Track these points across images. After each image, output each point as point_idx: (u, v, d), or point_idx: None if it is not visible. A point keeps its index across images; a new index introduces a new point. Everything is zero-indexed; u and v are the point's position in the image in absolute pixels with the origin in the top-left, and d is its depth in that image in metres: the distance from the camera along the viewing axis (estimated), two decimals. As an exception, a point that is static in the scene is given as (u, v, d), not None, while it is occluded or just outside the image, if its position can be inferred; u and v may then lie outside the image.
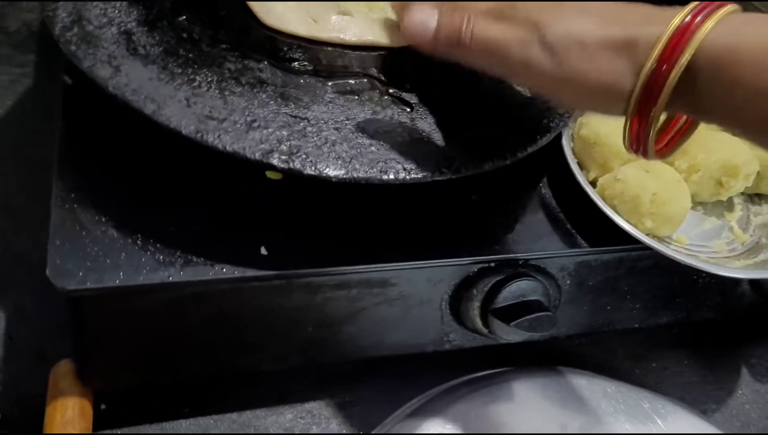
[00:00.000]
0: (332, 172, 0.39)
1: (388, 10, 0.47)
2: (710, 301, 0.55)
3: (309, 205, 0.43)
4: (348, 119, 0.42)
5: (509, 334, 0.45)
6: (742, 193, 0.54)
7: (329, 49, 0.44)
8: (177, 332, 0.42)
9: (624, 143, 0.35)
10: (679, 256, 0.45)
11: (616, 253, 0.48)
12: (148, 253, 0.39)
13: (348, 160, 0.39)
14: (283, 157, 0.38)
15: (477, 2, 0.37)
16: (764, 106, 0.29)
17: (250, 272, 0.40)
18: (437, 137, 0.43)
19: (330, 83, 0.43)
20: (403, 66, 0.45)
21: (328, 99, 0.42)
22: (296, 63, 0.44)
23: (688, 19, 0.31)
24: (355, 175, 0.39)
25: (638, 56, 0.32)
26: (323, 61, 0.44)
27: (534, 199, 0.50)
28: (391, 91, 0.44)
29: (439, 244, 0.45)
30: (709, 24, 0.30)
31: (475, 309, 0.46)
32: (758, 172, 0.51)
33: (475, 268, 0.46)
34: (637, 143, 0.34)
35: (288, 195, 0.43)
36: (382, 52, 0.45)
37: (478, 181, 0.45)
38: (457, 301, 0.47)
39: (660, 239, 0.48)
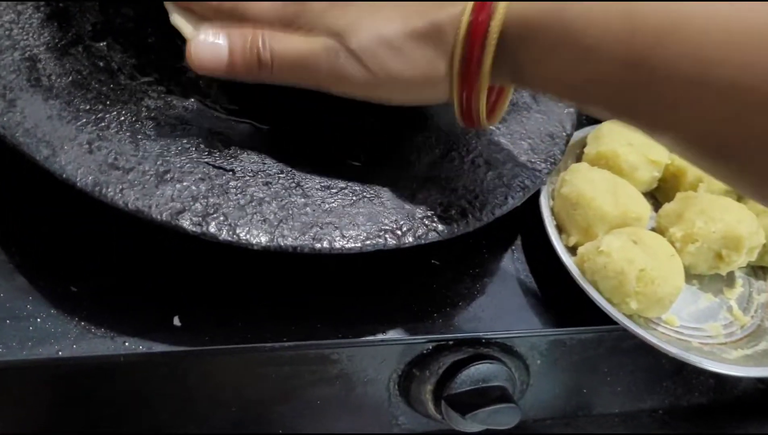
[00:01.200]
0: (254, 238, 0.32)
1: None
2: (702, 385, 0.48)
3: (234, 268, 0.37)
4: (282, 172, 0.36)
5: (465, 425, 0.39)
6: (746, 265, 0.47)
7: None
8: (72, 414, 0.36)
9: (457, 120, 0.34)
10: (664, 346, 0.39)
11: (595, 333, 0.42)
12: (37, 320, 0.33)
13: (276, 223, 0.33)
14: (196, 219, 0.32)
15: (261, 8, 0.34)
16: (571, 75, 0.29)
17: (159, 347, 0.34)
18: (387, 196, 0.36)
19: (267, 127, 0.37)
20: (358, 107, 0.39)
21: (261, 146, 0.36)
22: (228, 101, 0.38)
23: None
24: (281, 244, 0.33)
25: (447, 39, 0.31)
26: (259, 99, 0.38)
27: (504, 265, 0.43)
28: (339, 136, 0.38)
29: (387, 317, 0.39)
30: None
31: (427, 393, 0.40)
32: (764, 245, 0.45)
33: (430, 345, 0.40)
34: (468, 118, 0.34)
35: (210, 256, 0.37)
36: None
37: (440, 242, 0.38)
38: (408, 380, 0.41)
39: (647, 320, 0.42)
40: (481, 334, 0.40)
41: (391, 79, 0.32)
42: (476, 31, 0.30)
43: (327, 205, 0.35)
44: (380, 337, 0.38)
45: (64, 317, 0.34)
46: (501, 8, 0.30)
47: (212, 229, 0.32)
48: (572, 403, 0.47)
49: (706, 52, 0.26)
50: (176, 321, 0.35)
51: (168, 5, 0.37)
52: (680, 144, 0.29)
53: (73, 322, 0.34)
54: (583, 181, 0.43)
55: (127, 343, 0.34)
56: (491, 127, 0.36)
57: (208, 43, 0.33)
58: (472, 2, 0.30)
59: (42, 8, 0.38)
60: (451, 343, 0.39)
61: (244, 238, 0.32)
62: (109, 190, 0.32)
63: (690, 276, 0.46)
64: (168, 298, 0.35)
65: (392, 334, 0.38)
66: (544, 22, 0.29)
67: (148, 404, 0.37)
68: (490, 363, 0.40)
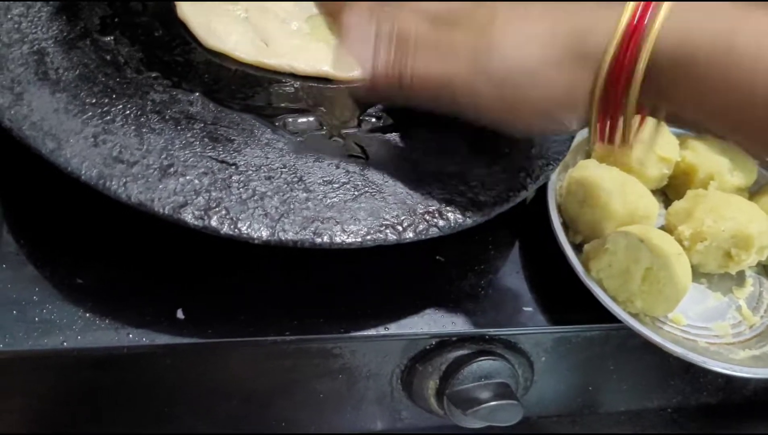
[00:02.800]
0: (255, 232, 0.33)
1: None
2: (710, 384, 0.48)
3: (238, 261, 0.37)
4: (285, 166, 0.36)
5: (466, 421, 0.39)
6: (757, 264, 0.46)
7: (274, 79, 0.39)
8: (77, 405, 0.37)
9: (591, 146, 0.35)
10: (668, 345, 0.38)
11: (601, 331, 0.42)
12: (43, 311, 0.34)
13: (277, 217, 0.33)
14: (198, 213, 0.32)
15: (417, 14, 0.33)
16: (724, 100, 0.28)
17: (162, 340, 0.34)
18: (390, 192, 0.36)
19: (269, 121, 0.37)
20: (357, 103, 0.39)
21: (265, 140, 0.36)
22: (234, 95, 0.38)
23: (638, 17, 0.29)
24: (282, 238, 0.33)
25: (593, 58, 0.30)
26: (265, 94, 0.38)
27: (509, 261, 0.43)
28: (342, 132, 0.38)
29: (390, 312, 0.39)
30: (659, 21, 0.29)
31: (430, 389, 0.40)
32: (776, 244, 0.44)
33: (433, 341, 0.39)
34: (610, 139, 0.33)
35: (214, 249, 0.37)
36: (336, 86, 0.39)
37: (444, 238, 0.38)
38: (411, 376, 0.41)
39: (653, 318, 0.42)
40: (483, 330, 0.40)
41: (530, 107, 0.32)
42: (625, 53, 0.29)
43: (328, 200, 0.35)
44: (383, 332, 0.38)
45: (69, 308, 0.34)
46: (652, 37, 0.29)
47: (214, 222, 0.32)
48: (578, 400, 0.46)
49: None
50: (180, 314, 0.35)
51: None
52: None
53: (78, 314, 0.34)
54: (591, 178, 0.43)
55: (130, 335, 0.34)
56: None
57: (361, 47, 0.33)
58: (624, 23, 0.29)
59: (51, 2, 0.39)
60: (454, 339, 0.39)
61: (245, 232, 0.32)
62: (113, 183, 0.32)
63: (699, 275, 0.45)
64: (172, 291, 0.36)
65: (395, 330, 0.38)
66: (707, 49, 0.28)
67: (151, 396, 0.38)
68: (493, 360, 0.40)
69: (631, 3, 0.30)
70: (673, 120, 0.33)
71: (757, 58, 0.27)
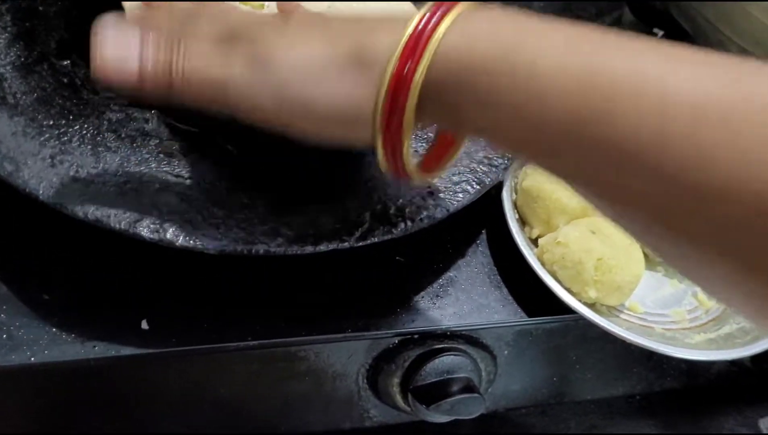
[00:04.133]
0: (210, 243, 0.34)
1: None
2: (673, 370, 0.49)
3: (198, 270, 0.39)
4: (240, 179, 0.37)
5: (431, 415, 0.40)
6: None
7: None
8: (47, 418, 0.38)
9: (381, 167, 0.30)
10: (623, 333, 0.40)
11: (560, 322, 0.43)
12: (11, 328, 0.35)
13: (231, 228, 0.35)
14: (154, 226, 0.33)
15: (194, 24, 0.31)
16: (513, 126, 0.25)
17: (128, 351, 0.36)
18: (343, 197, 0.38)
19: (223, 135, 0.38)
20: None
21: (220, 154, 0.38)
22: (189, 111, 0.39)
23: (422, 25, 0.26)
24: (236, 248, 0.34)
25: (375, 72, 0.27)
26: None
27: (468, 259, 0.44)
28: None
29: (353, 313, 0.40)
30: (440, 31, 0.26)
31: (394, 386, 0.41)
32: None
33: (396, 339, 0.41)
34: (395, 168, 0.30)
35: (174, 259, 0.38)
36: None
37: (404, 239, 0.40)
38: (376, 374, 0.42)
39: (609, 307, 0.43)
40: (444, 326, 0.41)
41: (308, 110, 0.29)
42: (403, 68, 0.26)
43: (283, 209, 0.36)
44: (345, 333, 0.39)
45: (36, 324, 0.35)
46: (434, 42, 0.26)
47: (169, 235, 0.33)
48: (543, 391, 0.47)
49: (667, 125, 0.22)
50: (144, 325, 0.36)
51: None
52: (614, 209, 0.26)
53: (45, 329, 0.35)
54: (543, 174, 0.44)
55: (96, 348, 0.35)
56: (426, 181, 0.33)
57: (119, 51, 0.30)
58: (408, 33, 0.26)
59: (9, 28, 0.40)
60: (416, 336, 0.40)
61: (200, 243, 0.34)
62: (70, 202, 0.33)
63: (655, 263, 0.46)
64: (135, 303, 0.37)
65: (357, 330, 0.39)
66: (489, 66, 0.25)
67: (120, 406, 0.39)
68: (455, 355, 0.41)
69: (424, 8, 0.27)
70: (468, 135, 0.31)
71: (534, 74, 0.25)
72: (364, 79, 0.27)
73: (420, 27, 0.26)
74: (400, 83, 0.26)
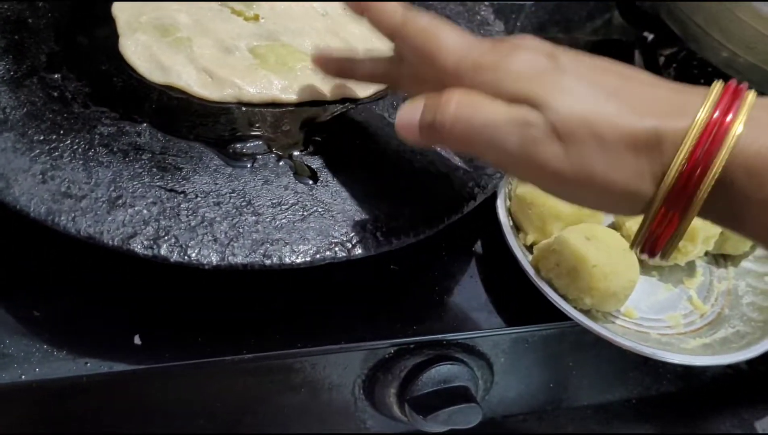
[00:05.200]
0: (205, 258, 0.34)
1: (297, 61, 0.42)
2: (669, 374, 0.49)
3: (192, 285, 0.38)
4: (233, 191, 0.37)
5: (428, 426, 0.40)
6: (706, 254, 0.48)
7: (221, 107, 0.40)
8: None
9: (632, 241, 0.30)
10: (618, 339, 0.40)
11: (556, 329, 0.43)
12: (1, 346, 0.35)
13: (226, 242, 0.34)
14: (147, 242, 0.33)
15: (454, 62, 0.30)
16: None
17: (120, 367, 0.35)
18: (338, 210, 0.37)
19: (217, 148, 0.38)
20: (307, 125, 0.40)
21: (213, 167, 0.37)
22: (181, 124, 0.39)
23: (717, 115, 0.26)
24: (232, 262, 0.34)
25: (663, 157, 0.26)
26: (212, 121, 0.39)
27: (464, 267, 0.44)
28: (291, 154, 0.39)
29: (348, 324, 0.40)
30: (738, 124, 0.26)
31: (391, 396, 0.41)
32: (722, 233, 0.45)
33: (392, 349, 0.40)
34: (652, 248, 0.29)
35: (168, 275, 0.38)
36: (282, 109, 0.40)
37: (399, 248, 0.39)
38: (372, 384, 0.42)
39: (605, 313, 0.43)
40: (441, 336, 0.41)
41: (590, 179, 0.27)
42: (697, 160, 0.26)
43: (277, 222, 0.36)
44: (340, 344, 0.39)
45: (27, 341, 0.35)
46: (732, 138, 0.25)
47: (163, 251, 0.33)
48: (541, 398, 0.47)
49: None
50: (137, 340, 0.36)
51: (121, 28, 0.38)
52: None
53: (35, 346, 0.35)
54: (537, 181, 0.44)
55: (89, 364, 0.35)
56: (663, 263, 0.33)
57: (411, 107, 0.31)
58: (702, 123, 0.26)
59: (-3, 42, 0.39)
60: (412, 346, 0.40)
61: (195, 258, 0.33)
62: (62, 218, 0.33)
63: (649, 268, 0.47)
64: (128, 318, 0.37)
65: (353, 341, 0.39)
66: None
67: (114, 422, 0.38)
68: (451, 364, 0.41)
69: (713, 93, 0.27)
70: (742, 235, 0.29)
71: None
72: (651, 162, 0.27)
73: (716, 116, 0.26)
74: (690, 175, 0.26)
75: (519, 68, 0.29)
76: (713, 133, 0.26)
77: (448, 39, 0.32)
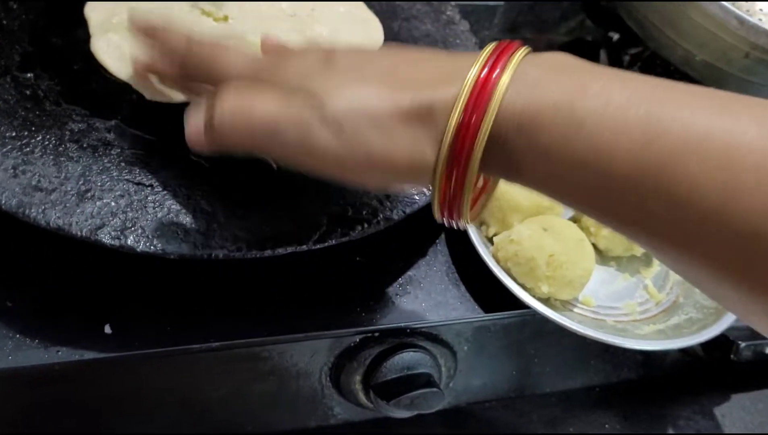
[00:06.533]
0: (170, 248, 0.35)
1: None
2: (629, 361, 0.51)
3: (162, 275, 0.40)
4: (200, 184, 0.38)
5: (392, 410, 0.42)
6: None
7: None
8: (15, 423, 0.39)
9: (434, 213, 0.31)
10: (574, 326, 0.41)
11: (517, 317, 0.45)
12: (-25, 336, 0.36)
13: (192, 233, 0.36)
14: (115, 233, 0.35)
15: (230, 65, 0.31)
16: (575, 177, 0.26)
17: (91, 355, 0.36)
18: (301, 201, 0.39)
19: (184, 143, 0.39)
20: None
21: (182, 161, 0.39)
22: (150, 120, 0.40)
23: (483, 75, 0.27)
24: (197, 253, 0.35)
25: (436, 124, 0.27)
26: (179, 116, 0.40)
27: (429, 258, 0.46)
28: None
29: (314, 313, 0.41)
30: (504, 82, 0.26)
31: (357, 383, 0.43)
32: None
33: (357, 338, 0.42)
34: (450, 213, 0.30)
35: (136, 264, 0.39)
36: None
37: (363, 239, 0.41)
38: (338, 372, 0.43)
39: (564, 302, 0.45)
40: (404, 324, 0.42)
41: (370, 159, 0.28)
42: (468, 120, 0.27)
43: (242, 213, 0.37)
44: (307, 332, 0.40)
45: (0, 331, 0.36)
46: (499, 95, 0.26)
47: (130, 241, 0.35)
48: (504, 385, 0.49)
49: (731, 177, 0.23)
50: (107, 329, 0.37)
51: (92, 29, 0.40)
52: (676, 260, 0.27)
53: (8, 336, 0.36)
54: (498, 175, 0.46)
55: (60, 353, 0.36)
56: (468, 225, 0.33)
57: (189, 118, 0.31)
58: (470, 85, 0.27)
59: (-29, 43, 0.41)
60: (376, 334, 0.42)
61: (161, 248, 0.35)
62: (32, 210, 0.34)
63: (608, 258, 0.48)
64: (98, 307, 0.38)
65: (319, 329, 0.41)
66: (551, 117, 0.26)
67: (86, 410, 0.39)
68: (414, 351, 0.42)
69: (483, 53, 0.28)
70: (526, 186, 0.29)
71: (599, 127, 0.25)
72: (427, 131, 0.27)
73: (483, 75, 0.27)
74: (464, 136, 0.27)
75: (294, 69, 0.30)
76: (481, 91, 0.26)
77: (232, 55, 0.32)
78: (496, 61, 0.27)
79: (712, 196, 0.23)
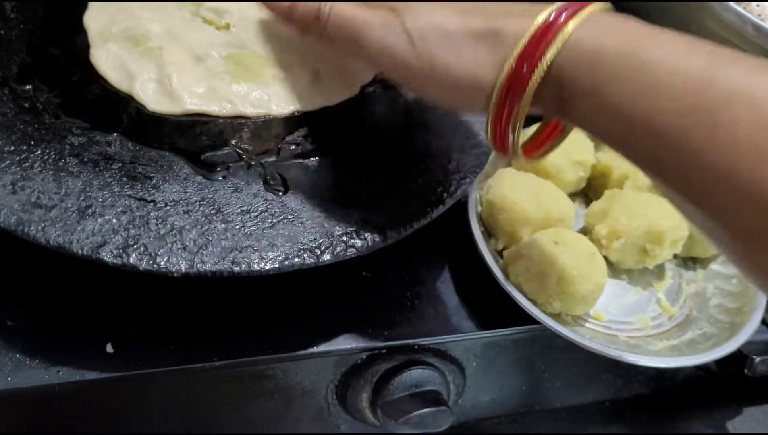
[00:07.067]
0: (174, 266, 0.34)
1: (268, 69, 0.43)
2: (641, 375, 0.50)
3: (164, 292, 0.39)
4: (203, 199, 0.37)
5: (400, 429, 0.41)
6: (675, 257, 0.48)
7: (192, 117, 0.40)
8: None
9: (487, 141, 0.33)
10: (586, 342, 0.40)
11: (527, 332, 0.44)
12: (-26, 356, 0.35)
13: (195, 250, 0.35)
14: (117, 251, 0.34)
15: None
16: (623, 122, 0.28)
17: (92, 375, 0.36)
18: (307, 217, 0.38)
19: (188, 156, 0.39)
20: (276, 132, 0.41)
21: (183, 175, 0.38)
22: (152, 134, 0.39)
23: (553, 16, 0.29)
24: (201, 269, 0.34)
25: (502, 48, 0.30)
26: (183, 130, 0.39)
27: (436, 272, 0.45)
28: (261, 161, 0.40)
29: (319, 330, 0.40)
30: (573, 23, 0.29)
31: (364, 401, 0.42)
32: (690, 236, 0.46)
33: (363, 355, 0.41)
34: (502, 142, 0.32)
35: (138, 282, 0.38)
36: (255, 119, 0.41)
37: (370, 254, 0.40)
38: (345, 390, 0.42)
39: (575, 317, 0.44)
40: (412, 341, 0.41)
41: (435, 70, 0.32)
42: (533, 50, 0.29)
43: (246, 229, 0.36)
44: (312, 350, 0.39)
45: (0, 351, 0.35)
46: (566, 33, 0.28)
47: (132, 260, 0.34)
48: (513, 401, 0.48)
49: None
50: (109, 348, 0.36)
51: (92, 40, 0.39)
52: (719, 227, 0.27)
53: (8, 355, 0.35)
54: (507, 186, 0.45)
55: (61, 373, 0.35)
56: (526, 159, 0.35)
57: None
58: (541, 20, 0.29)
59: (-32, 54, 0.40)
60: (383, 351, 0.41)
61: (164, 266, 0.34)
62: (31, 228, 0.33)
63: (619, 271, 0.47)
64: (100, 326, 0.37)
65: (324, 347, 0.40)
66: (613, 57, 0.27)
67: (87, 431, 0.38)
68: (422, 368, 0.41)
69: (558, 3, 0.30)
70: (575, 124, 0.32)
71: (659, 69, 0.26)
72: (491, 53, 0.30)
73: (552, 17, 0.29)
74: (527, 62, 0.29)
75: None
76: (550, 25, 0.29)
77: None
78: (572, 9, 0.29)
79: (742, 153, 0.24)
